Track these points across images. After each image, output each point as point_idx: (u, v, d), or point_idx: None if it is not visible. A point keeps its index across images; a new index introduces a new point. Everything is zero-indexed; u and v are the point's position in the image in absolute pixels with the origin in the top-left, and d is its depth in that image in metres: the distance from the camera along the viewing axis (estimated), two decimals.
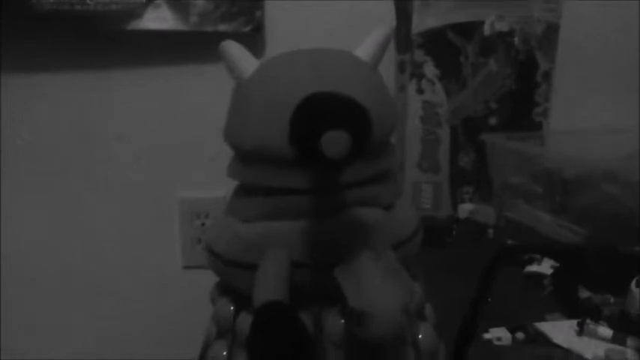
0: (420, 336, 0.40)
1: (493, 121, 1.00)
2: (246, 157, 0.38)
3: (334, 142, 0.28)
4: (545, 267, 0.76)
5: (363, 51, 0.40)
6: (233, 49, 0.39)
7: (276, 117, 0.33)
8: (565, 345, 0.60)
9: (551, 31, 0.97)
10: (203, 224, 1.07)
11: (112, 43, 0.97)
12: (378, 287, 0.32)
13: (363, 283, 0.32)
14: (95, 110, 1.02)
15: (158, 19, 0.94)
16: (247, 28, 0.96)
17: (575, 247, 0.75)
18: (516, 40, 0.97)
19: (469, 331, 0.53)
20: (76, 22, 0.92)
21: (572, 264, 0.73)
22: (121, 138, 1.03)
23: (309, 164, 0.31)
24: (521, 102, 0.99)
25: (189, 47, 0.98)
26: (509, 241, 0.86)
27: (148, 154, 1.04)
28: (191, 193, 1.06)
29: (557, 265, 0.76)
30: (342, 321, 0.36)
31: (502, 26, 0.96)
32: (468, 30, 0.95)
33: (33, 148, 1.02)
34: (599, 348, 0.56)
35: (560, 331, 0.62)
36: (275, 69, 0.37)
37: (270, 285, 0.33)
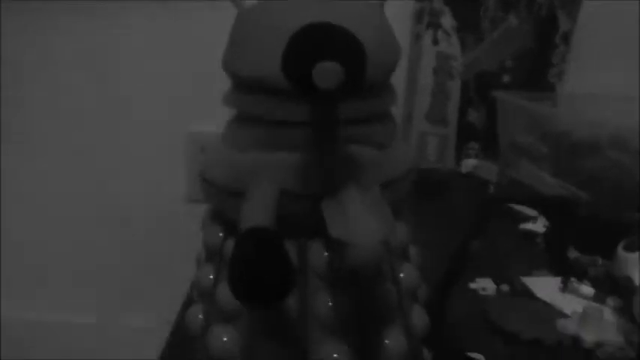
0: (401, 274, 0.41)
1: (506, 78, 0.99)
2: (242, 85, 0.39)
3: (326, 73, 0.29)
4: (539, 225, 0.77)
5: None
6: None
7: (272, 46, 0.33)
8: (547, 300, 0.61)
9: None
10: None
11: None
12: (360, 219, 0.33)
13: (346, 215, 0.33)
14: (105, 43, 1.02)
15: None
16: None
17: (563, 200, 0.76)
18: None
19: (454, 273, 0.55)
20: None
21: (564, 222, 0.74)
22: (130, 74, 1.04)
23: (301, 96, 0.32)
24: (538, 62, 0.99)
25: None
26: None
27: (156, 87, 1.05)
28: (198, 127, 1.06)
29: (549, 223, 0.77)
30: (326, 253, 0.38)
31: None
32: None
33: (45, 81, 1.04)
34: (579, 305, 0.57)
35: (544, 286, 0.64)
36: (278, 4, 0.37)
37: (256, 211, 0.34)
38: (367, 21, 0.36)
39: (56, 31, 1.00)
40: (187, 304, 0.55)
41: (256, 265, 0.31)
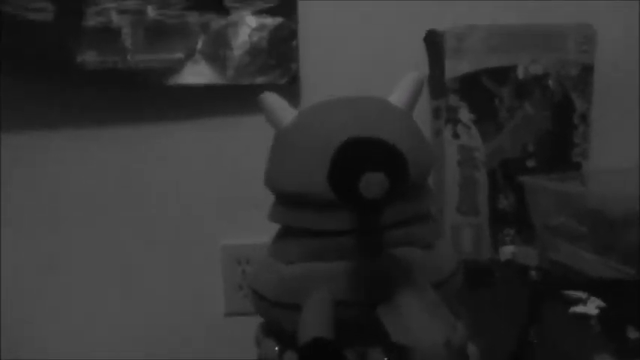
0: None
1: (531, 163, 1.00)
2: (287, 200, 0.40)
3: (372, 183, 0.31)
4: (591, 307, 0.76)
5: (397, 97, 0.43)
6: (272, 99, 0.42)
7: (316, 161, 0.36)
8: None
9: (586, 72, 0.98)
10: (244, 271, 1.09)
11: (154, 98, 1.02)
12: (420, 322, 0.33)
13: (404, 319, 0.34)
14: (139, 163, 1.06)
15: (196, 74, 0.99)
16: (283, 81, 1.00)
17: (619, 282, 0.74)
18: (551, 82, 0.98)
19: None
20: (118, 79, 0.98)
21: (619, 301, 0.72)
22: (164, 189, 1.07)
23: (348, 206, 0.33)
24: (559, 143, 1.00)
25: (228, 100, 1.02)
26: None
27: (189, 203, 1.07)
28: (232, 240, 1.08)
29: (604, 305, 0.75)
30: (386, 359, 0.38)
31: (536, 69, 0.98)
32: (502, 74, 0.97)
33: (78, 202, 1.07)
34: None
35: None
36: (314, 115, 0.40)
37: (315, 323, 0.35)
38: (403, 129, 0.39)
39: (90, 152, 1.05)
40: None
41: None
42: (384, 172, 0.31)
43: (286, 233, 0.42)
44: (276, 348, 0.42)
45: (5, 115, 1.03)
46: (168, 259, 1.09)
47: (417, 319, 0.34)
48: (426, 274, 0.38)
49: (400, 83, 0.45)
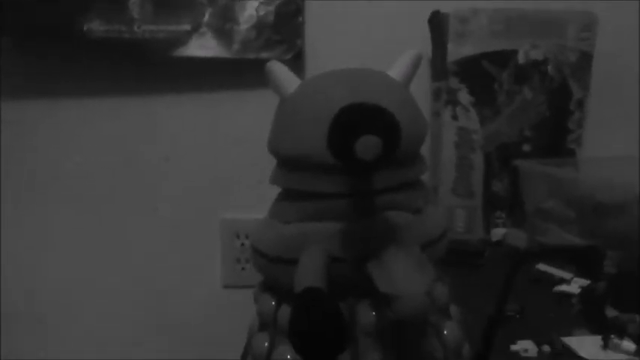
0: (445, 332, 0.44)
1: (527, 147, 1.03)
2: (288, 164, 0.44)
3: (368, 146, 0.34)
4: (574, 287, 0.79)
5: (395, 71, 0.46)
6: (278, 68, 0.45)
7: (316, 127, 0.39)
8: (589, 358, 0.63)
9: (585, 60, 1.01)
10: (242, 244, 1.12)
11: (158, 70, 1.04)
12: (404, 274, 0.37)
13: (391, 272, 0.37)
14: (141, 134, 1.09)
15: (202, 47, 1.01)
16: (288, 56, 1.02)
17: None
18: (550, 68, 1.01)
19: (493, 332, 0.57)
20: (123, 49, 1.00)
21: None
22: (166, 161, 1.10)
23: (345, 167, 0.37)
24: (555, 129, 1.03)
25: (232, 74, 1.04)
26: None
27: (190, 176, 1.10)
28: (231, 214, 1.11)
29: (586, 284, 0.79)
30: (374, 313, 0.41)
31: (536, 55, 1.00)
32: (502, 58, 1.00)
33: (82, 170, 1.10)
34: None
35: (585, 345, 0.65)
36: (316, 85, 0.43)
37: (309, 275, 0.38)
38: (398, 99, 0.42)
39: (94, 122, 1.08)
40: None
41: (315, 320, 0.34)
42: (378, 136, 0.34)
43: (286, 196, 0.46)
44: (273, 302, 0.46)
45: (6, 83, 1.05)
46: (168, 232, 1.13)
47: (402, 272, 0.37)
48: (413, 236, 0.42)
49: (399, 58, 0.48)
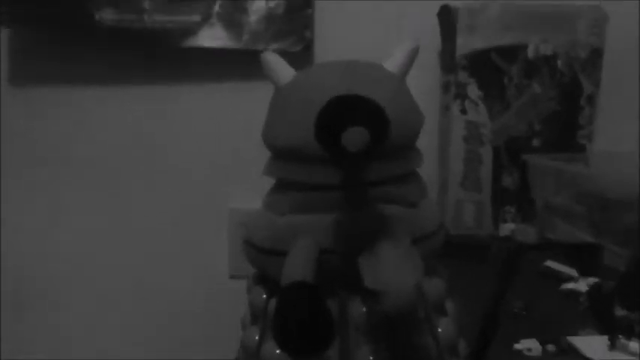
0: (439, 329, 0.42)
1: (536, 142, 1.01)
2: (280, 155, 0.42)
3: (353, 137, 0.32)
4: (582, 285, 0.77)
5: (391, 62, 0.44)
6: (273, 58, 0.44)
7: (306, 117, 0.37)
8: (595, 358, 0.60)
9: (596, 55, 0.97)
10: None
11: (168, 60, 1.03)
12: (392, 268, 0.35)
13: (379, 266, 0.35)
14: (150, 123, 1.08)
15: (212, 38, 1.00)
16: (297, 47, 1.00)
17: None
18: (560, 63, 0.98)
19: (490, 329, 0.55)
20: (134, 38, 0.99)
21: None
22: (176, 150, 1.09)
23: (333, 159, 0.35)
24: (565, 124, 1.00)
25: (242, 64, 1.03)
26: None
27: (198, 166, 1.09)
28: (239, 204, 1.10)
29: (594, 282, 0.76)
30: (365, 308, 0.39)
31: (546, 49, 0.97)
32: (512, 53, 0.97)
33: (90, 159, 1.09)
34: None
35: (591, 345, 0.62)
36: (309, 76, 0.41)
37: (297, 267, 0.36)
38: (392, 92, 0.40)
39: (103, 110, 1.07)
40: None
41: (299, 315, 0.33)
42: (364, 127, 0.32)
43: (279, 187, 0.44)
44: (264, 295, 0.44)
45: (17, 69, 1.04)
46: (175, 221, 1.11)
47: (389, 266, 0.35)
48: (406, 229, 0.40)
49: (396, 50, 0.46)
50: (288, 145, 0.40)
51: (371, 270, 0.35)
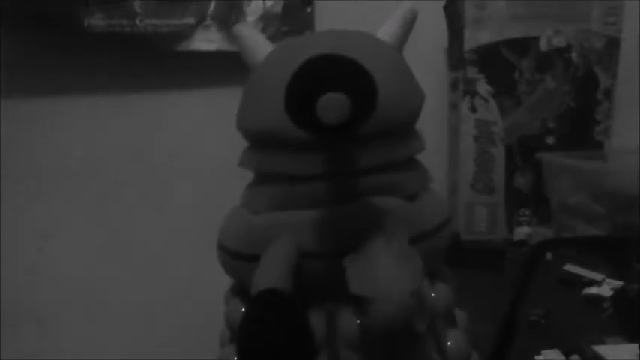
0: (448, 343, 0.35)
1: (551, 140, 0.94)
2: (256, 143, 0.36)
3: (331, 105, 0.25)
4: (605, 289, 0.69)
5: (384, 30, 0.37)
6: (247, 32, 0.37)
7: (276, 94, 0.30)
8: None
9: (612, 45, 0.91)
10: None
11: (162, 64, 0.98)
12: (384, 272, 0.28)
13: (369, 269, 0.28)
14: (145, 130, 1.03)
15: (207, 40, 0.94)
16: None
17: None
18: (574, 55, 0.91)
19: (507, 339, 0.48)
20: (126, 43, 0.94)
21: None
22: (171, 156, 1.03)
23: (310, 139, 0.28)
24: (581, 120, 0.93)
25: (239, 68, 0.98)
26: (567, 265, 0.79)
27: (196, 172, 1.04)
28: None
29: (619, 285, 0.69)
30: (358, 321, 0.32)
31: (559, 41, 0.91)
32: (522, 46, 0.91)
33: (85, 166, 1.04)
34: None
35: (619, 354, 0.55)
36: (286, 49, 0.35)
37: (270, 273, 0.30)
38: (389, 65, 0.33)
39: (98, 118, 1.02)
40: None
41: (267, 333, 0.26)
42: (344, 93, 0.25)
43: (257, 182, 0.37)
44: (243, 309, 0.37)
45: (8, 78, 0.99)
46: (174, 230, 1.06)
47: (381, 266, 0.28)
48: (403, 226, 0.32)
49: (390, 17, 0.39)
50: (264, 130, 0.33)
51: (358, 272, 0.28)
